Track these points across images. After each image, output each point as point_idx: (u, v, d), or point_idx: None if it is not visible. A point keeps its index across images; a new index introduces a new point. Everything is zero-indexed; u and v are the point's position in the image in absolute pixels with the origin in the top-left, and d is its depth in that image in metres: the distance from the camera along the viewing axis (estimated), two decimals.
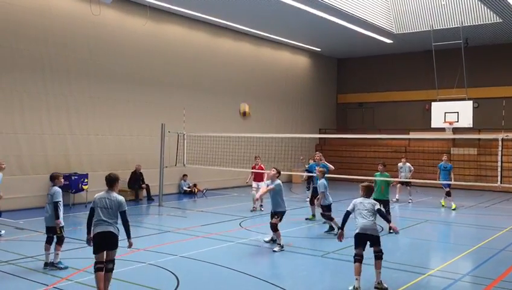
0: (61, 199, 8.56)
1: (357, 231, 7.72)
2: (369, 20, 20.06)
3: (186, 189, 19.58)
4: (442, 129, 20.43)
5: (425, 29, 21.07)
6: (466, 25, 20.04)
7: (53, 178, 8.78)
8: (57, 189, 8.60)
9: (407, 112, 26.73)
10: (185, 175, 19.66)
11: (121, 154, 17.72)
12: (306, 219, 13.78)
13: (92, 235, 6.93)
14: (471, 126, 19.69)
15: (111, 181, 7.11)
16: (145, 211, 15.83)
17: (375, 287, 7.69)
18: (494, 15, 18.95)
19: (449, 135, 20.40)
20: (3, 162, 11.65)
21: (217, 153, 17.72)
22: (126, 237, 6.96)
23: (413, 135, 22.06)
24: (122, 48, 17.72)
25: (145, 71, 18.52)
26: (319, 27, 21.11)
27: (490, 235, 12.10)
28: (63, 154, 16.00)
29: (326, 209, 11.85)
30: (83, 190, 15.59)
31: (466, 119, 19.46)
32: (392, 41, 23.60)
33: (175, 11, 19.10)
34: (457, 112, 19.67)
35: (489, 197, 19.54)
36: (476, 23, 20.00)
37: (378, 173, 12.63)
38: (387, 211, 12.04)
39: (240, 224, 13.10)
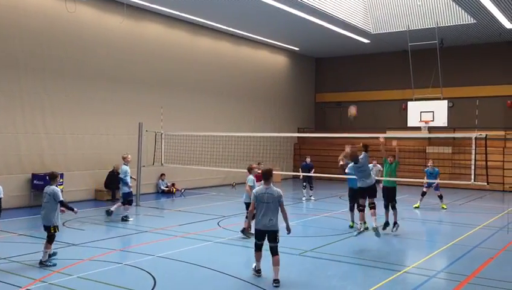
0: (61, 197, 8.86)
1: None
2: (347, 20, 20.23)
3: (164, 188, 19.44)
4: (418, 128, 20.74)
5: (401, 30, 21.34)
6: (441, 25, 20.37)
7: (52, 177, 9.00)
8: (56, 188, 8.82)
9: (384, 111, 27.04)
10: (162, 174, 19.52)
11: (97, 154, 17.49)
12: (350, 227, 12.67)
13: None
14: (446, 125, 20.01)
15: None
16: (122, 211, 15.64)
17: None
18: (469, 16, 19.31)
19: (425, 134, 20.70)
20: (129, 155, 13.78)
21: (195, 152, 17.63)
22: None
23: (390, 134, 22.31)
24: (99, 46, 17.49)
25: (123, 69, 18.31)
26: (297, 26, 21.19)
27: (464, 232, 12.33)
28: (37, 154, 15.71)
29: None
30: None
31: (441, 118, 19.80)
32: (369, 41, 23.85)
33: (153, 9, 18.94)
34: (433, 111, 19.99)
35: (463, 195, 19.90)
36: (451, 24, 20.35)
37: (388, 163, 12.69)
38: (394, 207, 12.15)
39: (218, 223, 13.07)
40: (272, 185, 7.98)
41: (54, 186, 8.80)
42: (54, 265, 8.50)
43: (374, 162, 17.93)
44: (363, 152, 11.31)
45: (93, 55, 17.28)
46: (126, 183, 13.39)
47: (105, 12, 17.69)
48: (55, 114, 16.19)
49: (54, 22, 16.04)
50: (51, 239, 8.61)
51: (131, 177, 13.70)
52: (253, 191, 8.20)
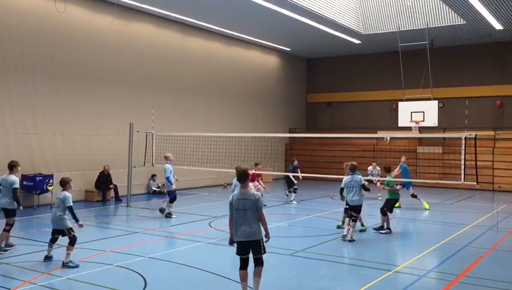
0: (72, 203, 8.87)
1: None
2: (338, 20, 20.28)
3: (155, 189, 19.36)
4: (409, 128, 20.82)
5: (392, 30, 21.44)
6: (431, 26, 20.49)
7: (64, 183, 9.02)
8: (67, 194, 8.87)
9: (375, 111, 27.14)
10: (153, 175, 19.45)
11: (88, 154, 17.38)
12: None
13: None
14: (436, 125, 20.13)
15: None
16: (113, 212, 15.59)
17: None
18: (458, 17, 19.44)
19: (415, 134, 20.80)
20: (171, 154, 14.49)
21: (186, 152, 17.58)
22: None
23: (380, 134, 22.42)
24: (89, 46, 17.37)
25: (114, 70, 18.21)
26: (288, 27, 21.21)
27: (454, 231, 12.40)
28: (27, 155, 15.56)
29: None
30: (47, 191, 15.22)
31: (431, 119, 19.85)
32: (360, 42, 23.92)
33: (144, 10, 18.85)
34: (423, 112, 20.04)
35: (453, 195, 20.02)
36: (441, 25, 20.47)
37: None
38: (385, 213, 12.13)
39: (209, 224, 13.04)
40: (248, 188, 7.03)
41: (66, 192, 8.88)
42: (77, 266, 8.52)
43: (374, 164, 18.01)
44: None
45: (83, 56, 17.17)
46: (170, 182, 13.73)
47: (96, 13, 17.59)
48: (45, 115, 16.07)
49: (44, 22, 15.91)
50: (72, 241, 8.71)
51: (174, 177, 14.00)
52: (230, 198, 7.16)
